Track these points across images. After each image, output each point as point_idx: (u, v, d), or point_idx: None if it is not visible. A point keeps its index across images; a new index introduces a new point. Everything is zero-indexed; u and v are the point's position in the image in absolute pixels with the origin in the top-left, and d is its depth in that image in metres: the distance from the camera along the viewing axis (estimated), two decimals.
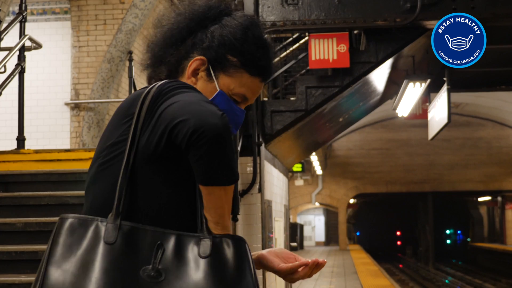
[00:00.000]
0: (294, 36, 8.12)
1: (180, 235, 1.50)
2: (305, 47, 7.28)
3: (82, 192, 4.85)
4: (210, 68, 1.66)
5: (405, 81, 9.01)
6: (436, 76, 9.18)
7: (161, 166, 1.53)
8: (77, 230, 1.48)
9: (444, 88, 8.92)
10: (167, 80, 1.61)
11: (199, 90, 1.64)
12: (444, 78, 8.86)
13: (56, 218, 4.78)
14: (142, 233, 1.49)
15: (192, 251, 1.50)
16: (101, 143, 1.62)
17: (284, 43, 8.40)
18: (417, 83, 8.96)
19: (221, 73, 1.67)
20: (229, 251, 1.53)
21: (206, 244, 1.51)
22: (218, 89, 1.66)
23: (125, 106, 1.60)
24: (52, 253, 1.47)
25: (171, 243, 1.49)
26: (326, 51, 6.78)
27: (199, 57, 1.66)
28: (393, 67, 8.40)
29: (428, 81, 8.89)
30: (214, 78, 1.66)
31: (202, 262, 1.49)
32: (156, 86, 1.56)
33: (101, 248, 1.46)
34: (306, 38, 7.19)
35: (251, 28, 1.69)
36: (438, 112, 9.64)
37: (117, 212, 1.50)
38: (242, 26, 1.68)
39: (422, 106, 11.42)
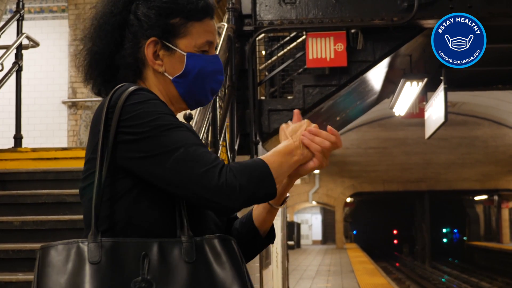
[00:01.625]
0: (292, 35, 8.13)
1: (161, 242, 1.49)
2: (302, 46, 7.29)
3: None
4: (165, 42, 1.63)
5: (402, 80, 9.03)
6: (433, 75, 9.20)
7: (136, 179, 1.52)
8: (60, 256, 1.46)
9: (441, 87, 8.94)
10: (126, 93, 1.54)
11: (169, 67, 1.63)
12: (441, 77, 8.88)
13: (54, 217, 4.74)
14: (124, 246, 1.47)
15: (176, 256, 1.49)
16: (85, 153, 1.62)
17: (281, 42, 8.41)
18: (414, 82, 8.98)
19: (176, 39, 1.63)
20: (215, 252, 1.53)
21: (189, 247, 1.50)
22: (185, 54, 1.64)
23: (94, 120, 1.58)
24: (41, 285, 1.45)
25: (154, 252, 1.48)
26: (323, 50, 6.79)
27: (148, 41, 1.62)
28: (390, 66, 8.41)
29: (425, 80, 8.90)
30: (175, 48, 1.63)
31: (189, 267, 1.48)
32: (121, 101, 1.52)
33: (87, 269, 1.44)
34: (303, 37, 7.19)
35: None
36: (435, 111, 9.66)
37: (96, 229, 1.48)
38: None
39: (419, 105, 11.45)
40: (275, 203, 1.68)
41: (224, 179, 1.45)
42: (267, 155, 1.54)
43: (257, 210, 1.72)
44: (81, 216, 4.97)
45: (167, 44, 1.63)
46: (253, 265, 6.10)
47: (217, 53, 1.80)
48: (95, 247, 1.46)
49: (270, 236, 1.75)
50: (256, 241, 1.73)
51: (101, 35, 1.64)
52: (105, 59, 1.65)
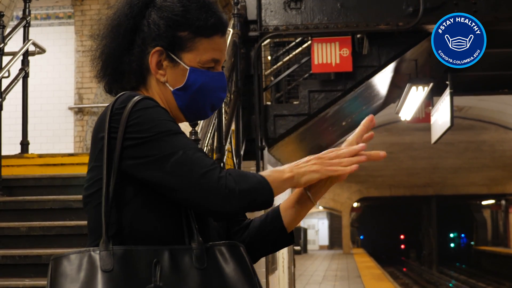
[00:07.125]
0: (297, 41, 8.13)
1: (172, 249, 1.50)
2: (308, 52, 7.29)
3: None
4: (170, 54, 1.63)
5: (408, 85, 9.01)
6: (438, 80, 9.18)
7: (142, 185, 1.53)
8: (72, 266, 1.47)
9: (447, 91, 8.92)
10: (132, 102, 1.54)
11: (171, 79, 1.63)
12: (447, 82, 8.86)
13: (61, 223, 4.75)
14: (136, 254, 1.48)
15: (187, 263, 1.50)
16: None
17: (287, 47, 8.42)
18: (420, 87, 8.96)
19: (181, 52, 1.63)
20: (224, 259, 1.53)
21: (200, 254, 1.51)
22: (188, 68, 1.64)
23: (96, 129, 1.58)
24: None
25: (166, 259, 1.49)
26: (328, 55, 6.79)
27: (153, 50, 1.63)
28: (396, 71, 8.40)
29: (431, 85, 8.88)
30: (179, 60, 1.63)
31: (200, 273, 1.49)
32: (127, 110, 1.52)
33: (100, 278, 1.45)
34: (309, 42, 7.20)
35: None
36: (441, 116, 9.64)
37: (107, 238, 1.49)
38: None
39: (425, 109, 11.42)
40: (315, 198, 1.69)
41: (224, 182, 1.46)
42: (262, 172, 1.56)
43: (288, 206, 1.71)
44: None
45: (172, 55, 1.64)
46: (259, 271, 6.09)
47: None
48: (107, 255, 1.47)
49: (292, 234, 1.75)
50: (281, 239, 1.72)
51: (114, 36, 1.66)
52: (115, 60, 1.67)
